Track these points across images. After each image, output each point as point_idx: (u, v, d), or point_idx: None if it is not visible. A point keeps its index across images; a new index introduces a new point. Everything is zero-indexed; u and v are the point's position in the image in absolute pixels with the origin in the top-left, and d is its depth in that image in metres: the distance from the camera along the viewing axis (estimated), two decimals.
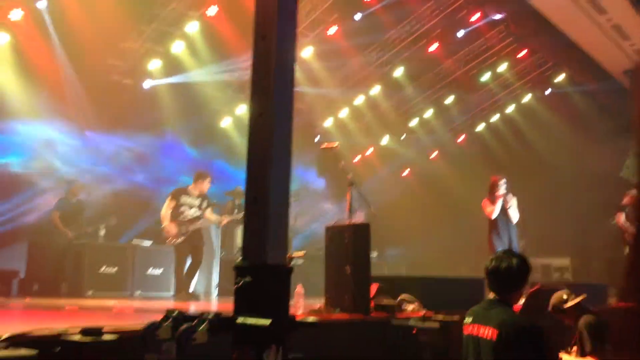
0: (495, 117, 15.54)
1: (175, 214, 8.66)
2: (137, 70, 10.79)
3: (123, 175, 11.16)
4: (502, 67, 13.59)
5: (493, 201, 8.64)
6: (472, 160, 15.53)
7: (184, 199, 8.80)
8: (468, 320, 3.36)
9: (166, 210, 8.66)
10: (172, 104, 11.31)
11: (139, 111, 10.98)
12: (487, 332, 3.16)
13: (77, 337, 2.77)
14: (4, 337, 2.57)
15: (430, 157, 16.44)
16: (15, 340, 2.59)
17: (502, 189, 8.65)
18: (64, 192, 9.56)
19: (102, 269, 8.68)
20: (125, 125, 10.92)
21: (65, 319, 4.63)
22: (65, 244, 9.02)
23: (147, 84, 10.95)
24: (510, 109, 15.25)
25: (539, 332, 3.20)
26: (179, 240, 8.66)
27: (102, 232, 9.55)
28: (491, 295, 3.42)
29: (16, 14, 8.75)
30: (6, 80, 9.23)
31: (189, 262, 8.77)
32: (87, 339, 2.76)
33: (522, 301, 5.89)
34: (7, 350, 2.41)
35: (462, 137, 16.12)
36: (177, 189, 8.98)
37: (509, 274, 3.35)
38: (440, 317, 5.33)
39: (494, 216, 8.57)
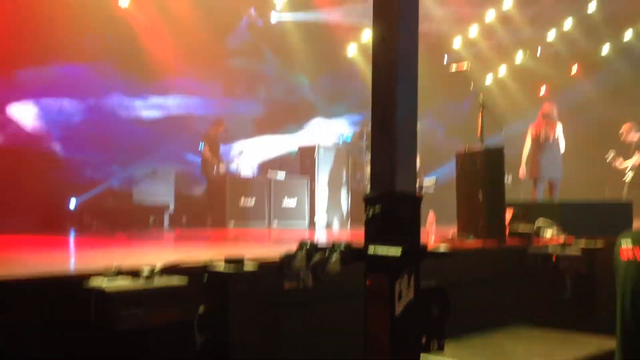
0: None
1: None
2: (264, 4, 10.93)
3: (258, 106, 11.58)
4: None
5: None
6: (619, 75, 14.21)
7: None
8: (627, 244, 3.01)
9: None
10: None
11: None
12: None
13: (221, 267, 2.97)
14: (158, 266, 2.81)
15: (571, 74, 15.27)
16: (168, 270, 2.83)
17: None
18: (209, 128, 10.11)
19: (242, 201, 9.19)
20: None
21: (211, 249, 4.98)
22: (213, 178, 9.62)
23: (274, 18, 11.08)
24: None
25: None
26: None
27: (237, 165, 10.06)
28: None
29: None
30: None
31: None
32: (230, 268, 2.95)
33: None
34: (162, 279, 2.65)
35: (607, 47, 14.71)
36: None
37: None
38: (582, 243, 5.07)
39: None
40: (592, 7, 13.25)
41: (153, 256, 4.30)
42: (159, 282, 2.64)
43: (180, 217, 9.50)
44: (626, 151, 10.40)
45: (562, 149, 9.06)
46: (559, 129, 8.96)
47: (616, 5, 13.36)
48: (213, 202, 9.37)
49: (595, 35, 14.28)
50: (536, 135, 8.97)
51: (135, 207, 9.35)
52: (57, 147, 9.02)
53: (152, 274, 2.67)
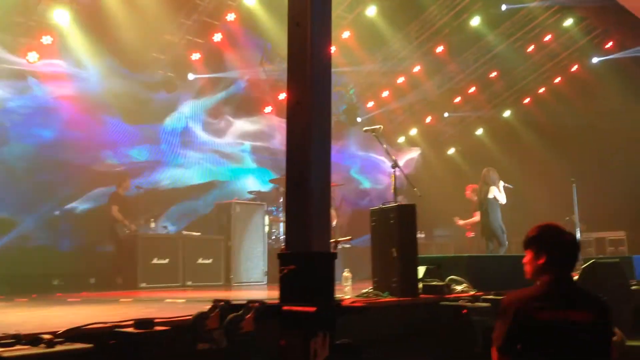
0: (542, 90, 15.16)
1: None
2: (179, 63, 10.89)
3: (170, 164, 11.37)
4: (547, 37, 13.30)
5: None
6: (519, 135, 15.23)
7: None
8: (540, 305, 2.88)
9: None
10: None
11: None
12: (580, 316, 2.85)
13: (130, 330, 2.84)
14: (60, 331, 2.65)
15: (476, 134, 16.16)
16: (71, 335, 2.67)
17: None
18: (116, 186, 9.75)
19: (154, 260, 8.86)
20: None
21: (120, 311, 4.76)
22: (123, 237, 9.25)
23: (190, 76, 11.05)
24: (557, 80, 14.86)
25: None
26: None
27: (152, 225, 9.75)
28: (551, 275, 3.06)
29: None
30: None
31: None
32: (140, 330, 2.83)
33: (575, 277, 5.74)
34: (64, 345, 2.49)
35: (508, 111, 15.79)
36: None
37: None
38: (490, 296, 5.24)
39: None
40: (492, 75, 14.28)
41: (56, 321, 4.05)
42: (62, 347, 2.48)
43: (88, 279, 9.03)
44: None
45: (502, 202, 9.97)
46: (494, 191, 9.88)
47: (513, 78, 14.52)
48: (123, 262, 8.99)
49: (496, 99, 15.32)
50: (476, 197, 10.24)
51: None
52: None
53: (53, 339, 2.51)
